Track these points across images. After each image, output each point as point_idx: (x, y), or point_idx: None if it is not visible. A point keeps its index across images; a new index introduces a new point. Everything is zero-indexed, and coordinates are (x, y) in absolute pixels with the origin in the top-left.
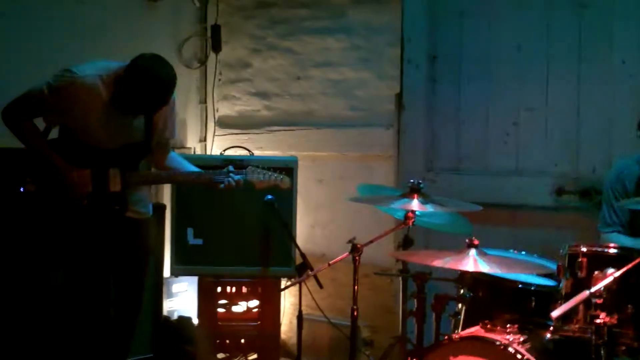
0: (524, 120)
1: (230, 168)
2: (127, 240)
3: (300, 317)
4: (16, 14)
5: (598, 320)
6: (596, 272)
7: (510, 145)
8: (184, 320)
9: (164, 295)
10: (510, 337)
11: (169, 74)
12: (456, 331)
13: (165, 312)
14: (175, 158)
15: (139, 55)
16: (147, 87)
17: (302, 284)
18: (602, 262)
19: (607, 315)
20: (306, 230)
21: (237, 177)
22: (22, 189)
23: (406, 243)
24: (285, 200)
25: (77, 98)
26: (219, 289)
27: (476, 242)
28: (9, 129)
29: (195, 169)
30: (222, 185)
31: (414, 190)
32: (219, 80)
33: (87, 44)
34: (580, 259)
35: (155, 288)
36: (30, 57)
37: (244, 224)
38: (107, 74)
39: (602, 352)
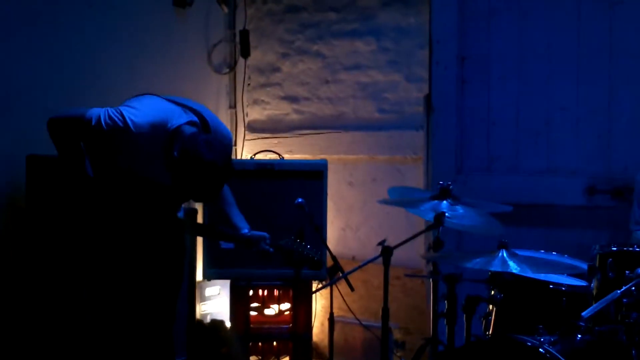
0: (555, 119)
1: (267, 239)
2: (156, 243)
3: (331, 320)
4: (47, 21)
5: (629, 320)
6: (627, 272)
7: (542, 145)
8: (217, 324)
9: (197, 299)
10: (541, 338)
11: (227, 170)
12: (487, 332)
13: (198, 315)
14: (223, 196)
15: (194, 141)
16: (204, 188)
17: (334, 286)
18: (633, 261)
19: (638, 315)
20: (337, 233)
21: (268, 248)
22: None
23: (437, 245)
24: (316, 204)
25: (124, 147)
26: (251, 292)
27: (507, 243)
28: (50, 138)
29: (237, 216)
30: (254, 249)
31: (444, 192)
32: (248, 85)
33: (118, 50)
34: (611, 259)
35: (189, 292)
36: (62, 64)
37: (276, 227)
38: (164, 130)
39: (633, 352)
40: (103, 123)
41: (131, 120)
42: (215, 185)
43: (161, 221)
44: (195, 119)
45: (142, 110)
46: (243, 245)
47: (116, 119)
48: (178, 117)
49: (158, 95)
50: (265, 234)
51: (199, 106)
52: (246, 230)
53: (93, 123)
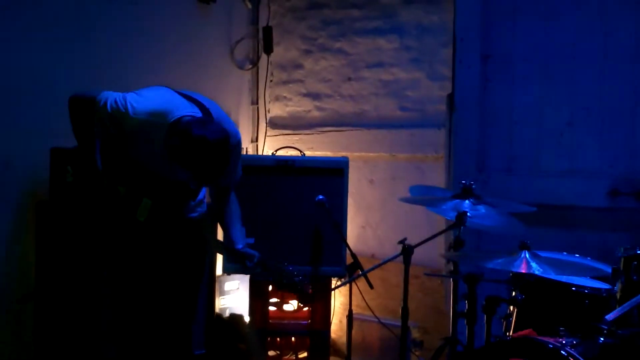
0: (578, 120)
1: (255, 258)
2: (176, 240)
3: (350, 317)
4: (70, 16)
5: None
6: None
7: (564, 146)
8: (236, 318)
9: (217, 293)
10: (563, 340)
11: (223, 151)
12: (507, 333)
13: (217, 309)
14: (230, 206)
15: (188, 121)
16: (202, 170)
17: (353, 283)
18: None
19: None
20: (357, 231)
21: (253, 265)
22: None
23: (457, 244)
24: (336, 201)
25: (124, 131)
26: (270, 288)
27: (529, 244)
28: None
29: (236, 229)
30: (247, 264)
31: (465, 191)
32: (271, 81)
33: (140, 45)
34: (636, 262)
35: (208, 286)
36: (85, 58)
37: (295, 223)
38: (164, 120)
39: None
40: (108, 105)
41: (131, 105)
42: (205, 160)
43: (173, 215)
44: (199, 113)
45: (145, 98)
46: (233, 259)
47: (119, 103)
48: (182, 110)
49: (171, 88)
50: (255, 253)
51: (209, 103)
52: (240, 246)
53: (100, 104)
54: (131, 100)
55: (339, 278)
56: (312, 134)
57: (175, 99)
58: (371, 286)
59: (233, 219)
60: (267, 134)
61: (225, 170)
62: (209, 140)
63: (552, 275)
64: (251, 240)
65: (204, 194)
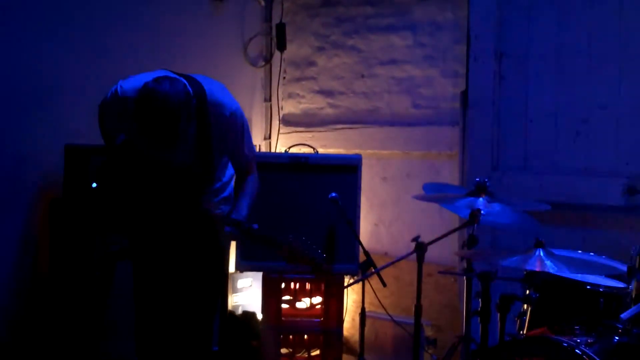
0: (594, 117)
1: (254, 226)
2: (193, 237)
3: (363, 315)
4: (84, 14)
5: None
6: None
7: (580, 144)
8: (249, 315)
9: (230, 290)
10: (578, 339)
11: (171, 103)
12: (521, 332)
13: (230, 306)
14: (243, 187)
15: (144, 86)
16: (144, 122)
17: (365, 281)
18: None
19: None
20: (370, 228)
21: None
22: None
23: (471, 242)
24: (349, 198)
25: (119, 114)
26: (283, 285)
27: (543, 242)
28: None
29: (241, 204)
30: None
31: (480, 189)
32: (284, 78)
33: (154, 43)
34: None
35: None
36: (97, 56)
37: (309, 220)
38: None
39: None
40: (109, 95)
41: (120, 86)
42: (148, 110)
43: (187, 206)
44: (188, 88)
45: (135, 77)
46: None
47: (113, 89)
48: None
49: (170, 70)
50: (240, 218)
51: (204, 78)
52: (233, 215)
53: (106, 98)
54: (122, 82)
55: (352, 276)
56: (326, 131)
57: (167, 75)
58: (384, 284)
59: (242, 195)
60: (280, 131)
61: (175, 128)
62: (155, 90)
63: (567, 274)
64: (255, 226)
65: (229, 191)
